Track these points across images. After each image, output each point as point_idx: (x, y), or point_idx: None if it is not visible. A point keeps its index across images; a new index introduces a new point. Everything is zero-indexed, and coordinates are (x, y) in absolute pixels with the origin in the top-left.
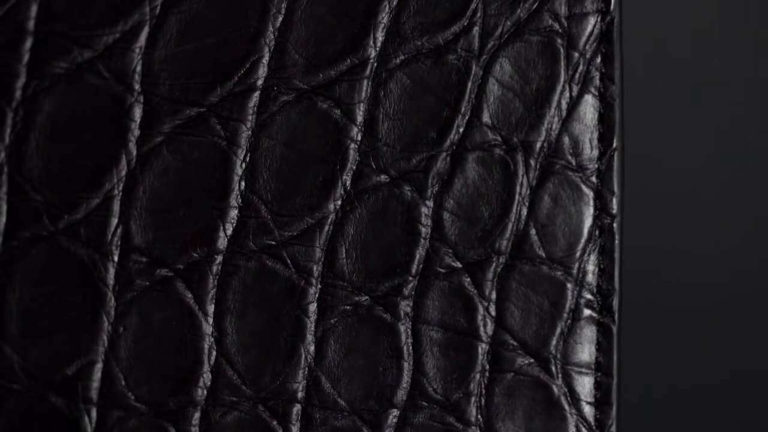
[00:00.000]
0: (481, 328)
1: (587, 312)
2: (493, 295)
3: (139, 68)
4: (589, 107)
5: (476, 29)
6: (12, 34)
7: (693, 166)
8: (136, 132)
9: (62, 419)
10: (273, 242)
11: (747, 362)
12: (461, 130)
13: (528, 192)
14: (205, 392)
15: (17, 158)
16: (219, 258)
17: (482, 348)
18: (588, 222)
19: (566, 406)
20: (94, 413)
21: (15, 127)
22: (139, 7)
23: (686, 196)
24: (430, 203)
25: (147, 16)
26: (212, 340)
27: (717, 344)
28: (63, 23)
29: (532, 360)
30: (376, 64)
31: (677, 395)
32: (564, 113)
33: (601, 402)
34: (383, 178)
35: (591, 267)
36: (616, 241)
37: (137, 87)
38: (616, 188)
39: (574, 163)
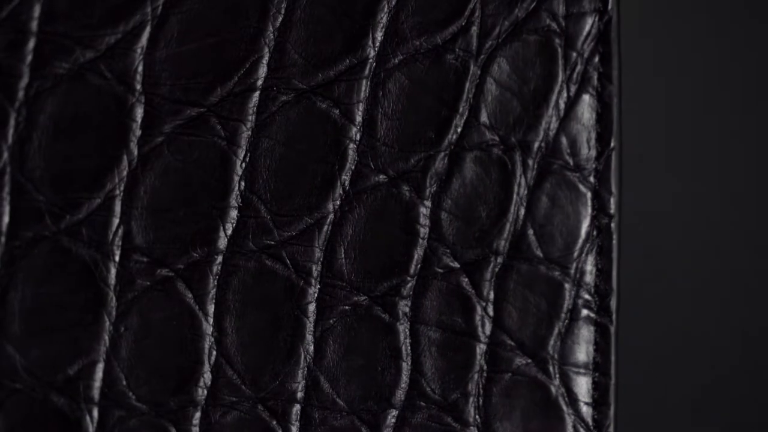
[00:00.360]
0: (479, 329)
1: (585, 312)
2: (491, 296)
3: (140, 68)
4: (586, 107)
5: (474, 29)
6: (15, 35)
7: (691, 165)
8: (138, 132)
9: (64, 419)
10: (272, 242)
11: (745, 362)
12: (459, 129)
13: (525, 192)
14: (206, 392)
15: (20, 158)
16: (219, 258)
17: (480, 348)
18: (586, 222)
19: (564, 407)
20: (95, 413)
21: (18, 127)
22: (141, 7)
23: (684, 196)
24: (428, 203)
25: (149, 16)
26: (212, 339)
27: (714, 344)
28: (65, 24)
29: (529, 360)
30: (374, 64)
31: (675, 395)
32: (562, 113)
33: (598, 402)
34: (381, 178)
35: (589, 267)
36: (614, 241)
37: (138, 87)
38: (613, 188)
39: (571, 163)
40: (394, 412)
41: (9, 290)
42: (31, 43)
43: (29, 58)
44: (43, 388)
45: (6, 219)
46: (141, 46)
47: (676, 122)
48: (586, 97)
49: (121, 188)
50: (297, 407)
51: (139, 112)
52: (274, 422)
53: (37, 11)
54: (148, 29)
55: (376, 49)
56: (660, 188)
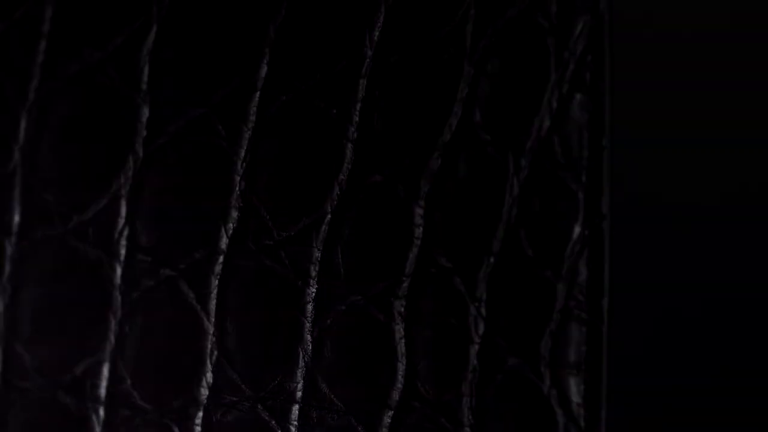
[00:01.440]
0: (473, 329)
1: (576, 312)
2: (484, 296)
3: (146, 69)
4: (579, 106)
5: (469, 28)
6: (28, 36)
7: (685, 165)
8: (143, 133)
9: (71, 418)
10: (271, 242)
11: (739, 363)
12: (453, 129)
13: (518, 192)
14: (207, 392)
15: (30, 159)
16: (220, 258)
17: (473, 348)
18: (577, 222)
19: (555, 407)
20: (101, 412)
21: (29, 128)
22: (147, 8)
23: (677, 197)
24: (423, 203)
25: (155, 17)
26: (214, 339)
27: (708, 345)
28: (75, 25)
29: (521, 360)
30: (371, 64)
31: (667, 396)
32: (554, 112)
33: (589, 402)
34: (377, 177)
35: (581, 267)
36: (606, 242)
37: (144, 87)
38: (605, 188)
39: (563, 163)
40: (390, 413)
41: (19, 290)
42: (43, 45)
43: (41, 59)
44: (51, 387)
45: (16, 219)
46: (147, 47)
47: (670, 122)
48: (578, 97)
49: (127, 188)
50: (296, 407)
51: (144, 113)
52: (273, 422)
53: (49, 13)
54: (154, 30)
55: (373, 48)
56: (653, 188)
